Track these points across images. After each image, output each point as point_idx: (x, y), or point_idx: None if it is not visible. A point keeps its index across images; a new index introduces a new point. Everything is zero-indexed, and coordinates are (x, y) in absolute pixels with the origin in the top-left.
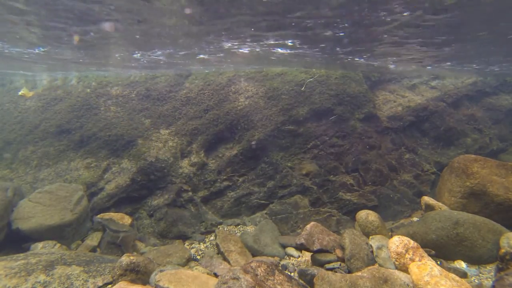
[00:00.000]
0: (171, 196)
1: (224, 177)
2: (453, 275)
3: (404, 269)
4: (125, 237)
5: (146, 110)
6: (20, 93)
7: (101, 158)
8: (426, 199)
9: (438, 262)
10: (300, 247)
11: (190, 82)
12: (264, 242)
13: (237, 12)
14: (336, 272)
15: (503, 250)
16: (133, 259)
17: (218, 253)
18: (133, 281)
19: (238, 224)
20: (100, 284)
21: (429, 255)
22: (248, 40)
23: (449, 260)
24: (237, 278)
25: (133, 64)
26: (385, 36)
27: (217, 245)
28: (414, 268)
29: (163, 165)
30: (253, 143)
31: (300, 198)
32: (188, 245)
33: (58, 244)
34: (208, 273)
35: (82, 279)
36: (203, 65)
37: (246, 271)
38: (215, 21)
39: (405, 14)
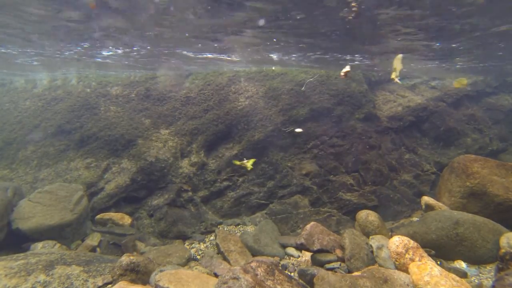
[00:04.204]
0: (171, 196)
1: (224, 177)
2: (453, 275)
3: (404, 269)
4: (128, 240)
5: (146, 110)
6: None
7: (101, 158)
8: (426, 199)
9: (438, 262)
10: (300, 247)
11: (190, 82)
12: (264, 242)
13: None
14: (336, 272)
15: (503, 250)
16: (133, 259)
17: (218, 253)
18: (133, 281)
19: (238, 224)
20: (100, 284)
21: (429, 255)
22: None
23: (449, 260)
24: (237, 278)
25: None
26: None
27: (217, 245)
28: (414, 268)
29: (163, 165)
30: (253, 143)
31: (300, 198)
32: (188, 245)
33: (58, 244)
34: (208, 273)
35: (82, 279)
36: None
37: (246, 271)
38: None
39: None
